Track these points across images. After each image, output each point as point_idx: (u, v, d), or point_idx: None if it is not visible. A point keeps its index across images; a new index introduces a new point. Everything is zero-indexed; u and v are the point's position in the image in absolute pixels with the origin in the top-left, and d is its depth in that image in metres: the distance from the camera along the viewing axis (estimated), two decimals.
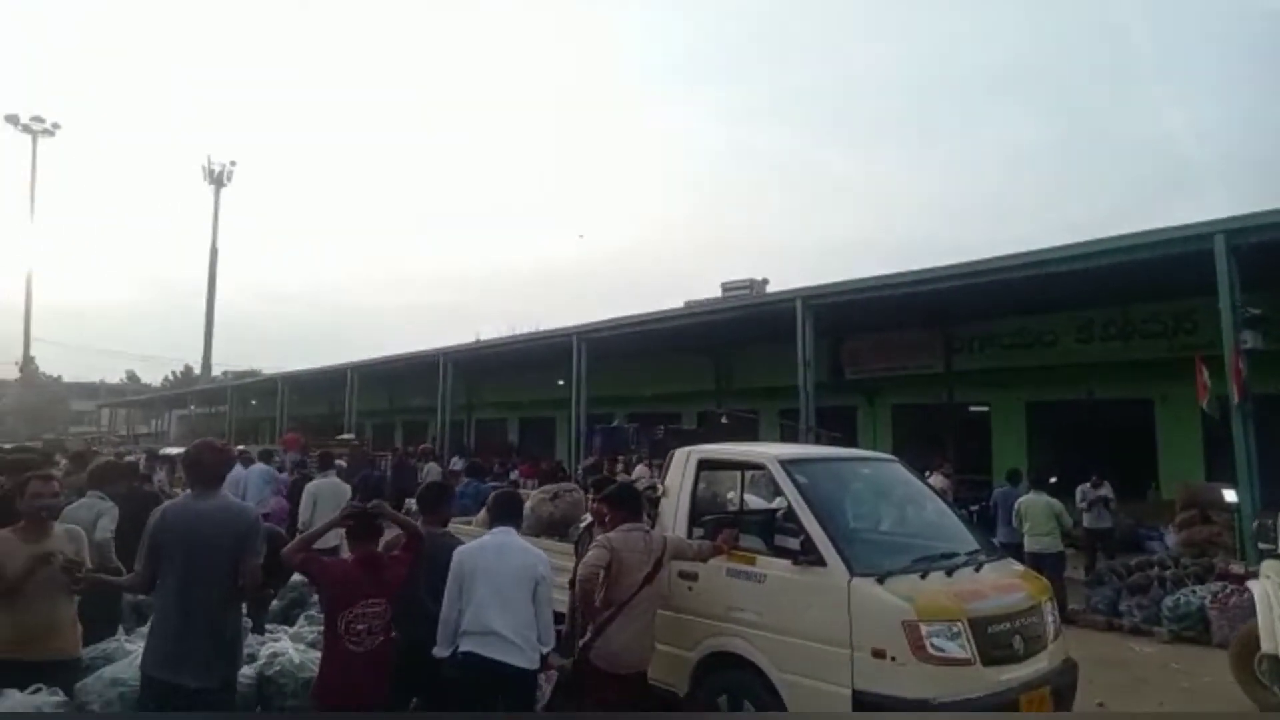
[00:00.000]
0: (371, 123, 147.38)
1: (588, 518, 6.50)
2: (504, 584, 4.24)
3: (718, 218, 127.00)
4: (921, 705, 4.15)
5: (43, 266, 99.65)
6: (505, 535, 4.46)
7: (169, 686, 3.94)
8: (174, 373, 62.89)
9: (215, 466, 4.35)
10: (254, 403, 39.12)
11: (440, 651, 4.25)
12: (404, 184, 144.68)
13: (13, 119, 42.34)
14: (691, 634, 5.06)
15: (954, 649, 4.28)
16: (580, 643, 4.60)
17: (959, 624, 4.32)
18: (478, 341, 23.17)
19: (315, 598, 7.58)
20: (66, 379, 63.54)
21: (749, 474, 5.78)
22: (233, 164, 49.14)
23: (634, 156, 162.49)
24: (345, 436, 20.18)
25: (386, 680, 4.11)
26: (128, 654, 4.70)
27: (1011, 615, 4.59)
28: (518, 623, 4.19)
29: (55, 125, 43.87)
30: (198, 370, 51.10)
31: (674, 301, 21.70)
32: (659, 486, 5.82)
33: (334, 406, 31.93)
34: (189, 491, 4.33)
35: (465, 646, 4.17)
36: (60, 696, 4.00)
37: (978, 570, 4.88)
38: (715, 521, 5.44)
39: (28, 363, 44.46)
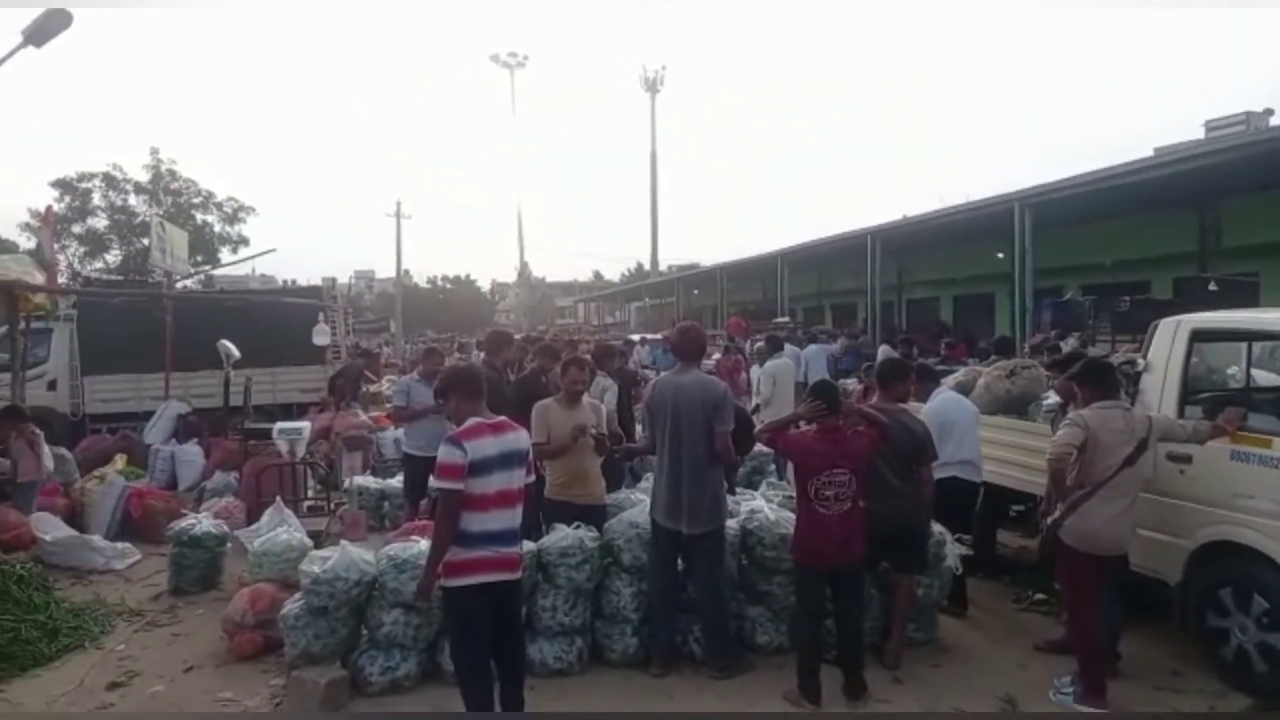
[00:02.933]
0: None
1: (1050, 396, 6.14)
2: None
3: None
4: None
5: (524, 184, 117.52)
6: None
7: (670, 531, 4.77)
8: (628, 269, 70.85)
9: (695, 346, 5.04)
10: (696, 292, 42.59)
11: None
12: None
13: (494, 57, 49.95)
14: (1184, 520, 4.60)
15: None
16: (1049, 520, 4.46)
17: None
18: (906, 218, 22.32)
19: (773, 466, 8.38)
20: (549, 279, 75.43)
21: (1259, 346, 4.94)
22: (663, 69, 52.49)
23: None
24: (781, 320, 21.16)
25: (860, 541, 4.44)
26: (634, 503, 5.67)
27: None
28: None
29: (525, 58, 50.75)
30: (647, 266, 56.82)
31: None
32: (1138, 361, 5.24)
33: (766, 292, 33.49)
34: (675, 367, 5.11)
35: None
36: (594, 533, 5.01)
37: None
38: (1215, 400, 4.79)
39: (523, 267, 53.44)
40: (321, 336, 12.24)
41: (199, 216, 32.79)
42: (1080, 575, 4.37)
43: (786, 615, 4.98)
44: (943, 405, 5.86)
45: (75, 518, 7.84)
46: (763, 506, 5.23)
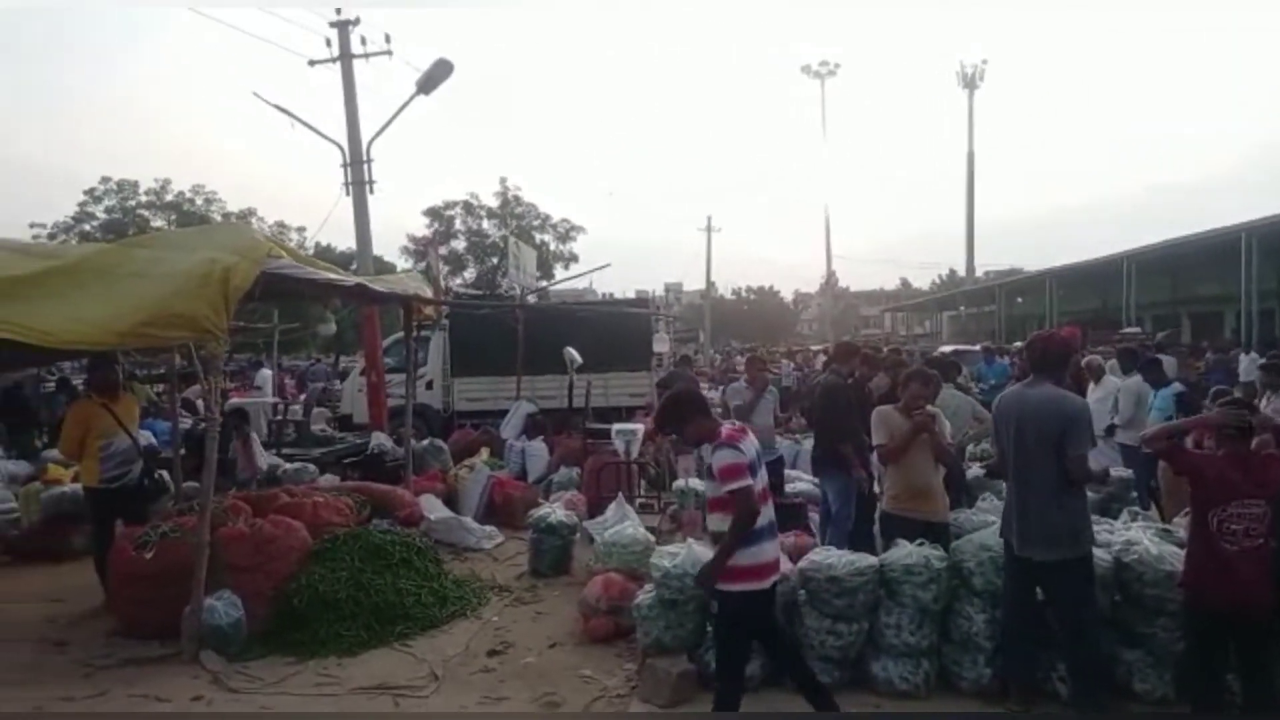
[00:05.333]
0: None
1: None
2: None
3: None
4: None
5: (831, 192, 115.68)
6: None
7: (1020, 559, 4.34)
8: (940, 276, 67.21)
9: (1055, 356, 4.57)
10: (1020, 300, 39.32)
11: None
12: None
13: (805, 68, 49.94)
14: None
15: None
16: None
17: None
18: None
19: (1135, 494, 7.43)
20: (853, 289, 73.82)
21: None
22: (984, 63, 49.20)
23: None
24: (1130, 330, 18.80)
25: (1268, 586, 3.78)
26: (983, 524, 5.32)
27: None
28: None
29: (836, 66, 50.17)
30: (961, 273, 53.50)
31: None
32: None
33: (1106, 300, 30.00)
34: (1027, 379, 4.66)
35: None
36: (940, 552, 4.76)
37: None
38: None
39: (829, 276, 52.83)
40: (661, 344, 13.06)
41: (538, 236, 36.40)
42: None
43: (1171, 662, 4.38)
44: None
45: (450, 501, 9.03)
46: (1141, 538, 4.64)
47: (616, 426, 9.06)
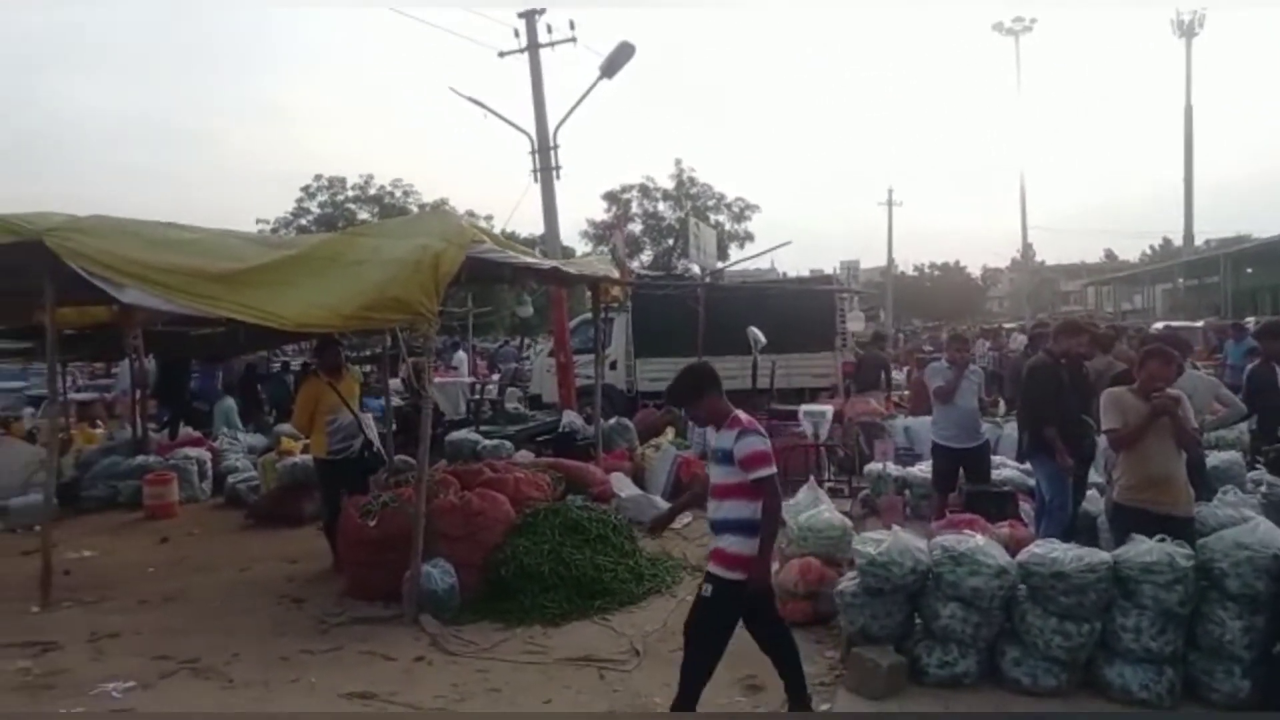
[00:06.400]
0: None
1: None
2: None
3: None
4: None
5: (1036, 161, 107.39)
6: None
7: None
8: (1151, 246, 61.33)
9: None
10: (1249, 271, 35.17)
11: None
12: None
13: (998, 25, 46.53)
14: None
15: None
16: None
17: None
18: None
19: None
20: (1049, 262, 68.64)
21: None
22: (1203, 9, 44.01)
23: None
24: None
25: None
26: (1231, 520, 4.76)
27: None
28: None
29: (1032, 21, 46.39)
30: (1177, 241, 48.50)
31: None
32: None
33: None
34: None
35: None
36: (1185, 549, 4.28)
37: None
38: None
39: (1025, 249, 49.27)
40: (855, 322, 12.71)
41: (712, 217, 36.37)
42: None
43: None
44: None
45: (637, 479, 9.17)
46: None
47: (804, 408, 8.88)
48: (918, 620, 4.62)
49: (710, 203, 37.50)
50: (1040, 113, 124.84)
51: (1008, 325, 31.32)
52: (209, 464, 10.46)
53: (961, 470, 6.90)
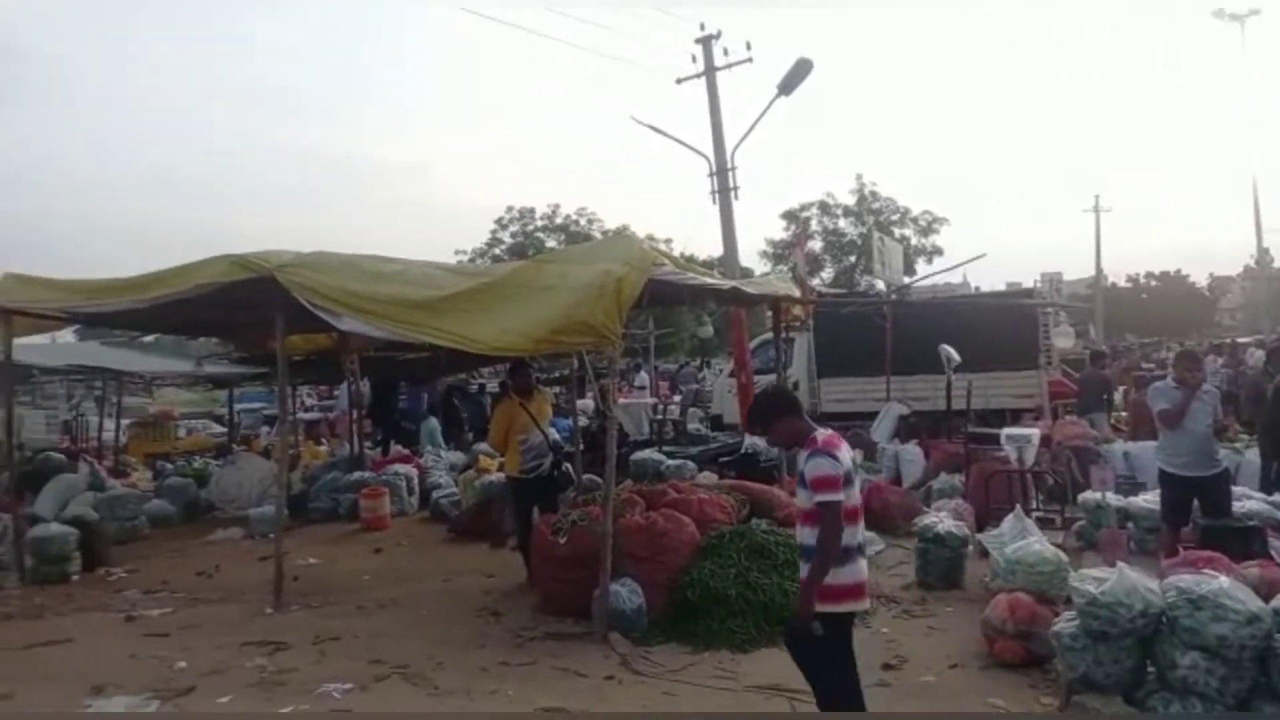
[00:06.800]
0: None
1: None
2: None
3: None
4: None
5: (1257, 153, 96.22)
6: None
7: None
8: None
9: None
10: None
11: None
12: None
13: (1218, 12, 42.22)
14: None
15: None
16: None
17: None
18: None
19: None
20: None
21: None
22: None
23: None
24: None
25: None
26: None
27: None
28: None
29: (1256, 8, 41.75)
30: None
31: None
32: None
33: None
34: None
35: None
36: None
37: None
38: None
39: (1262, 254, 44.02)
40: (1064, 338, 11.88)
41: (897, 231, 35.08)
42: None
43: None
44: None
45: None
46: None
47: (1007, 431, 8.30)
48: (1150, 669, 4.14)
49: (894, 217, 36.13)
50: (1272, 103, 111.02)
51: (1242, 340, 27.93)
52: (416, 480, 11.21)
53: (1196, 502, 6.18)
